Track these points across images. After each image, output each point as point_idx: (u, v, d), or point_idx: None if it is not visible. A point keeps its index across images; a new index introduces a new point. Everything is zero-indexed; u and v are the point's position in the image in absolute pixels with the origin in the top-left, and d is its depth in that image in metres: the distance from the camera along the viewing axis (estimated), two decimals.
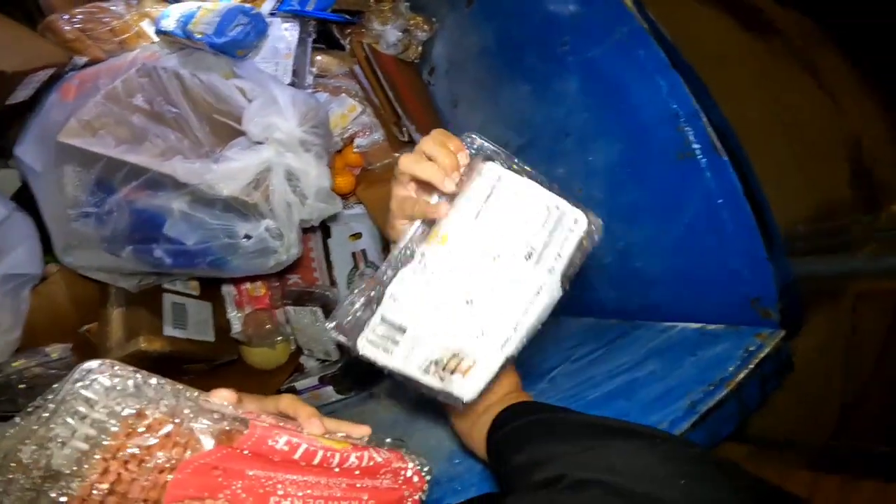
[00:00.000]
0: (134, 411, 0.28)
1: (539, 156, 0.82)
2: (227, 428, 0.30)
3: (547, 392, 0.67)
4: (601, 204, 0.76)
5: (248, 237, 0.70)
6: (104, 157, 0.65)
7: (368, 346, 0.42)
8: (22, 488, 0.26)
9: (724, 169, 0.57)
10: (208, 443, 0.29)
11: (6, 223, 0.76)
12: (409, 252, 0.44)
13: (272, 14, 0.77)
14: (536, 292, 0.44)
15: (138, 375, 0.29)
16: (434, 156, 0.44)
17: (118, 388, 0.28)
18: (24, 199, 0.84)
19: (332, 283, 1.03)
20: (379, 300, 0.43)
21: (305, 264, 1.00)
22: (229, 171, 0.65)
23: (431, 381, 0.42)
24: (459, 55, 0.99)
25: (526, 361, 0.79)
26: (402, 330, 0.42)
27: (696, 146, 0.59)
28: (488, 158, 0.46)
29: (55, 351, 0.84)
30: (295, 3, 0.76)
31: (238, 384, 0.97)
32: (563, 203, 0.47)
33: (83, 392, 0.28)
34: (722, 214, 0.59)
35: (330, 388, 0.96)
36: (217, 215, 0.69)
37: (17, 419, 0.29)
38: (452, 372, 0.42)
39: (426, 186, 0.46)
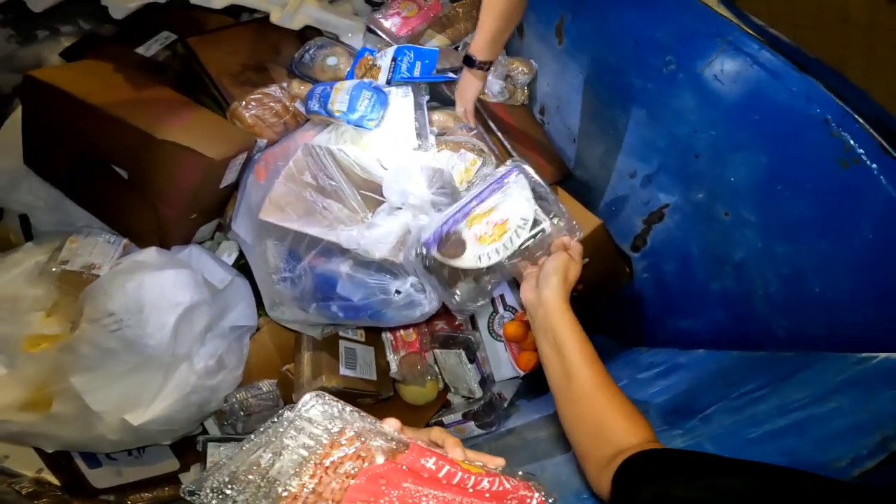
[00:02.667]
0: (339, 429, 0.37)
1: (672, 181, 0.79)
2: (395, 447, 0.37)
3: (697, 429, 0.63)
4: (755, 227, 0.69)
5: (398, 292, 0.79)
6: (291, 231, 0.81)
7: None
8: (256, 486, 0.36)
9: None
10: (380, 458, 0.37)
11: (231, 286, 0.98)
12: None
13: (387, 83, 0.88)
14: None
15: (339, 404, 0.38)
16: None
17: (328, 412, 0.37)
18: (241, 266, 1.09)
19: (474, 326, 1.09)
20: None
21: (449, 311, 1.08)
22: (378, 236, 0.75)
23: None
24: (564, 90, 0.99)
25: (676, 398, 0.74)
26: None
27: (860, 151, 0.52)
28: None
29: (265, 386, 1.05)
30: (404, 71, 0.87)
31: (395, 417, 1.08)
32: None
33: (306, 414, 0.37)
34: None
35: (472, 424, 1.01)
36: (373, 275, 0.80)
37: (252, 436, 0.39)
38: None
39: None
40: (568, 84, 0.97)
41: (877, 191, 0.51)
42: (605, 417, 0.53)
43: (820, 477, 0.34)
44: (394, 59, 0.88)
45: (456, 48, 1.06)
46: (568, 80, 0.97)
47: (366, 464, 0.36)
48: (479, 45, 0.83)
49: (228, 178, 0.92)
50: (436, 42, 1.04)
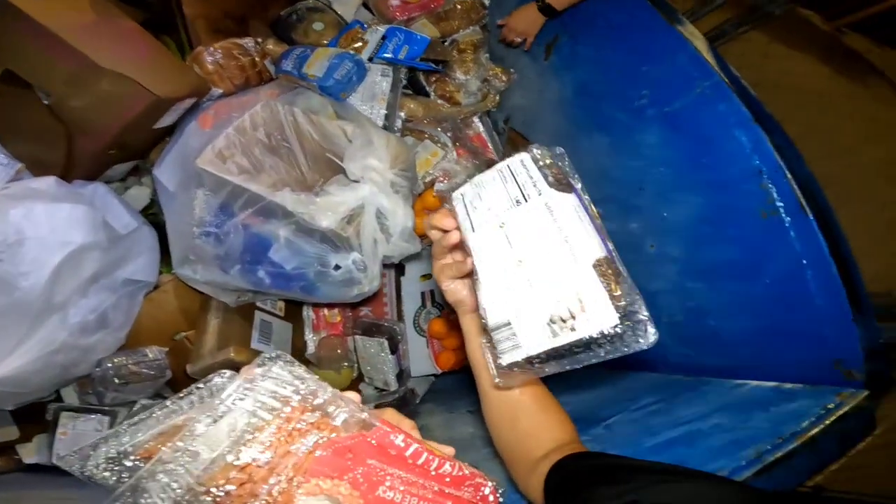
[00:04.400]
0: (312, 389, 0.33)
1: (615, 210, 0.84)
2: (364, 419, 0.35)
3: (602, 437, 0.67)
4: (675, 261, 0.76)
5: (337, 267, 0.76)
6: (231, 184, 0.74)
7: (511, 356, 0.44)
8: (192, 454, 0.29)
9: (809, 228, 0.56)
10: (349, 429, 0.34)
11: (135, 234, 0.87)
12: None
13: (370, 60, 0.87)
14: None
15: (303, 368, 0.34)
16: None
17: (295, 374, 0.33)
18: (149, 215, 0.97)
19: (400, 318, 1.07)
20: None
21: (378, 298, 1.06)
22: (329, 205, 0.72)
23: (565, 338, 0.41)
24: (537, 105, 1.02)
25: (583, 408, 0.79)
26: (508, 324, 0.45)
27: (779, 204, 0.58)
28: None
29: (152, 352, 0.94)
30: (390, 51, 0.87)
31: None
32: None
33: (271, 374, 0.32)
34: (806, 275, 0.58)
35: None
36: (314, 244, 0.76)
37: (168, 403, 0.34)
38: (573, 317, 0.41)
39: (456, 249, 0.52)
40: (543, 100, 0.99)
41: (785, 243, 0.58)
42: (539, 415, 0.54)
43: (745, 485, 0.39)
44: (383, 38, 0.86)
45: (444, 41, 1.07)
46: (546, 96, 0.99)
47: (333, 434, 0.33)
48: (564, 2, 0.92)
49: (167, 119, 0.83)
50: (426, 32, 1.04)
